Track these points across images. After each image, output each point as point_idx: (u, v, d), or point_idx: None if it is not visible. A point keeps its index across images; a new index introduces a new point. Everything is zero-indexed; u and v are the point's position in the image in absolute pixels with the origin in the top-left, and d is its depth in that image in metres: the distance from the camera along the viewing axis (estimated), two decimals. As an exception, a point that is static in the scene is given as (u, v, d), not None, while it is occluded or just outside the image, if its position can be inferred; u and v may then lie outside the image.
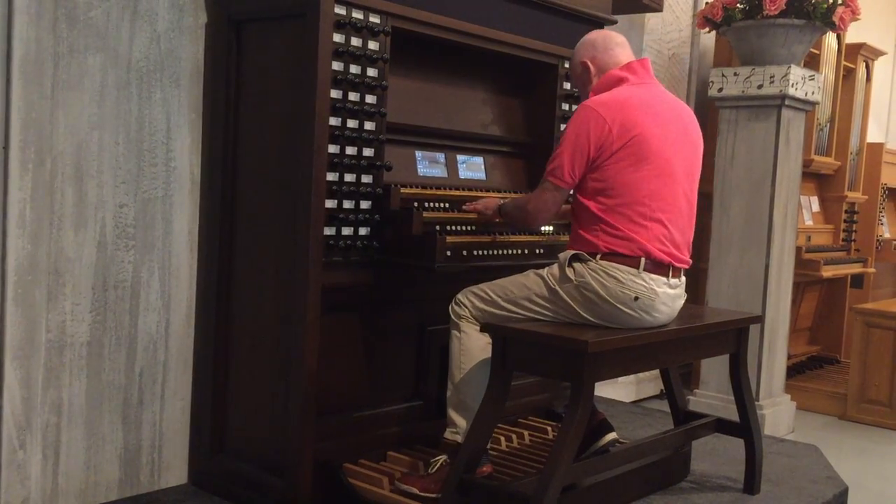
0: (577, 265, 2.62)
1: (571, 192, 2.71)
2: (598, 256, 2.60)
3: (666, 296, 2.65)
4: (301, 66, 2.61)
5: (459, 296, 2.78)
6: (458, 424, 2.71)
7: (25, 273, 2.52)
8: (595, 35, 2.87)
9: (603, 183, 2.60)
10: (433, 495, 2.63)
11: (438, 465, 2.71)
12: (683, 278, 2.74)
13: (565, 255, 2.65)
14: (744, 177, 4.60)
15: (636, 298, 2.58)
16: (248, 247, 2.83)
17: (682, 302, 2.78)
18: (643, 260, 2.59)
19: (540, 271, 2.71)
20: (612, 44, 2.81)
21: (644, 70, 2.76)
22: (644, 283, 2.59)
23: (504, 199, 2.93)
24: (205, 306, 2.93)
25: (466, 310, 2.74)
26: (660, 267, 2.63)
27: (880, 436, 5.01)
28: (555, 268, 2.67)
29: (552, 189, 2.68)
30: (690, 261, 2.75)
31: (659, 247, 2.61)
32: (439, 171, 3.16)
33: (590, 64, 2.80)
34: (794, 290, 5.00)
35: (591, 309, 2.61)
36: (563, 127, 3.43)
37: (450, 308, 2.79)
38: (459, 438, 2.69)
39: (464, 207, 2.95)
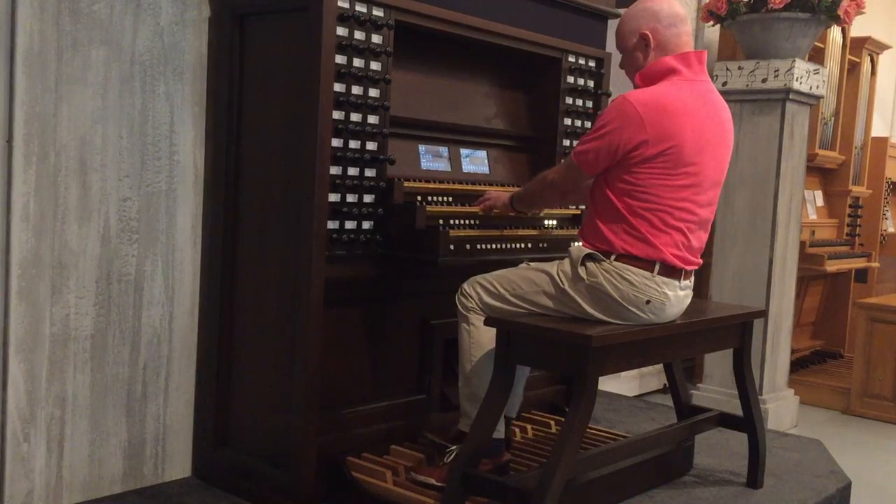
0: (590, 265, 2.59)
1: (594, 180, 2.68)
2: (613, 257, 2.57)
3: (676, 298, 2.65)
4: (304, 60, 2.60)
5: (466, 286, 2.76)
6: (471, 416, 2.70)
7: (29, 267, 2.53)
8: (658, 4, 2.64)
9: (633, 186, 2.54)
10: None
11: (454, 455, 2.71)
12: (692, 278, 2.74)
13: (578, 252, 2.62)
14: (748, 171, 4.59)
15: (648, 302, 2.57)
16: (252, 240, 2.83)
17: (690, 300, 2.78)
18: (658, 265, 2.57)
19: (549, 267, 2.68)
20: (678, 19, 2.63)
21: (699, 65, 2.64)
22: (657, 288, 2.58)
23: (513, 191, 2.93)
24: (208, 300, 2.94)
25: (474, 301, 2.73)
26: (673, 271, 2.61)
27: (884, 430, 5.01)
28: (566, 265, 2.64)
29: (575, 169, 2.65)
30: (701, 261, 2.74)
31: (675, 252, 2.59)
32: (443, 165, 3.16)
33: (651, 37, 2.61)
34: (798, 284, 4.99)
35: (600, 307, 2.59)
36: (566, 121, 3.44)
37: (456, 299, 2.78)
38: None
39: (475, 204, 2.95)
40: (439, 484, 2.65)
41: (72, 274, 2.62)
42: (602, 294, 2.57)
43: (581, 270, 2.59)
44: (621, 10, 3.61)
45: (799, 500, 3.07)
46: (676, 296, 2.64)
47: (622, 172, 2.56)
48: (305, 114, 2.60)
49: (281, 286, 2.73)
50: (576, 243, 2.69)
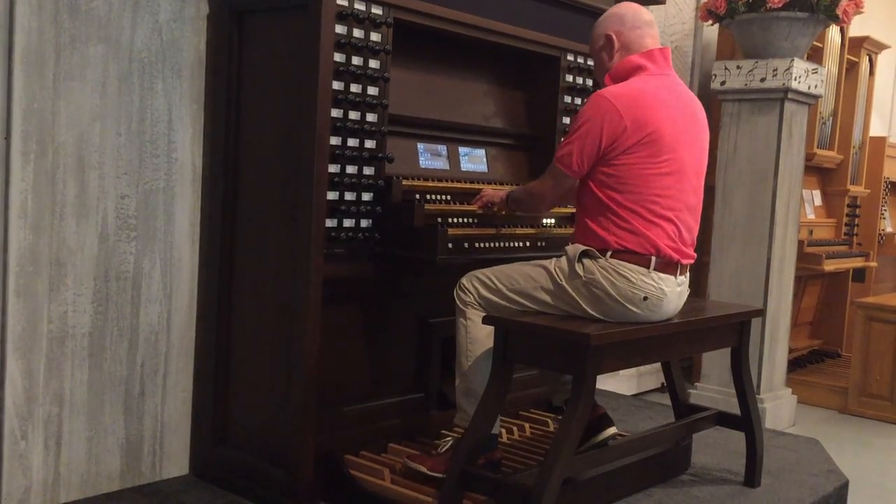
0: (586, 261, 2.60)
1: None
2: (609, 254, 2.58)
3: (673, 294, 2.65)
4: (303, 58, 2.60)
5: (464, 280, 2.77)
6: (467, 411, 2.71)
7: (27, 264, 2.53)
8: (624, 8, 2.76)
9: (615, 178, 2.57)
10: (440, 475, 2.63)
11: (447, 445, 2.72)
12: (688, 274, 2.74)
13: (574, 249, 2.62)
14: (746, 170, 4.60)
15: (645, 298, 2.57)
16: (250, 238, 2.83)
17: (686, 296, 2.78)
18: (654, 259, 2.58)
19: (547, 263, 2.69)
20: (641, 21, 2.72)
21: (664, 60, 2.70)
22: (654, 283, 2.58)
23: (511, 189, 2.94)
24: (206, 297, 2.94)
25: (472, 296, 2.73)
26: (669, 266, 2.61)
27: (881, 429, 5.02)
28: (563, 262, 2.65)
29: (560, 175, 2.67)
30: (695, 255, 2.75)
31: (669, 244, 2.60)
32: (441, 164, 3.16)
33: (615, 39, 2.71)
34: (796, 283, 5.00)
35: (596, 305, 2.60)
36: (565, 119, 3.44)
37: (455, 293, 2.78)
38: (468, 424, 2.70)
39: (473, 203, 2.95)
40: (430, 473, 2.65)
41: (70, 271, 2.62)
42: (599, 291, 2.57)
43: (578, 267, 2.59)
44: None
45: (796, 499, 3.08)
46: (673, 292, 2.65)
47: (603, 166, 2.59)
48: (304, 112, 2.60)
49: (279, 284, 2.73)
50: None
